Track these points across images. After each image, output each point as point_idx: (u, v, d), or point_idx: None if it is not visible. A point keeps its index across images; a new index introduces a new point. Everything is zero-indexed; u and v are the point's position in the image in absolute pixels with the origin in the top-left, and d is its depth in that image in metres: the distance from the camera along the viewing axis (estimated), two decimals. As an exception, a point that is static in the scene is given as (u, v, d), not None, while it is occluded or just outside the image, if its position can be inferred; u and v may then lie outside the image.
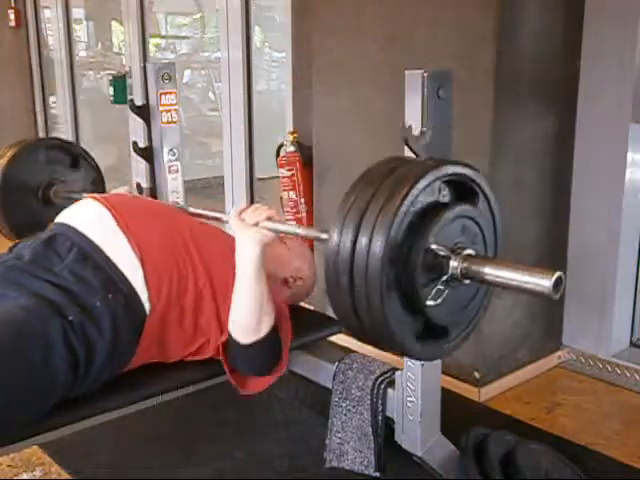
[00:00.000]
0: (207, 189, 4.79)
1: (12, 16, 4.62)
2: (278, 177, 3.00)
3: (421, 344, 1.17)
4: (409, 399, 1.61)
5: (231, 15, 3.25)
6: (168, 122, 2.22)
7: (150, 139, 2.29)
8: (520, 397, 2.31)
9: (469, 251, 1.14)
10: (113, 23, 5.14)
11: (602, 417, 2.18)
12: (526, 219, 2.34)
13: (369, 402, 1.68)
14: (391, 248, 1.06)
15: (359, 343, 2.71)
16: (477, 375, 2.29)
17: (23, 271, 1.47)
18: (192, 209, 1.81)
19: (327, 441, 1.77)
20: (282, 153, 3.00)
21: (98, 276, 1.48)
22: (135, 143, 2.34)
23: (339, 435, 1.75)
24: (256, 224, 1.52)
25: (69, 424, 1.46)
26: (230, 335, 1.55)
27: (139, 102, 2.30)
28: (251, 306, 1.53)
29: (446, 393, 1.70)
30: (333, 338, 1.99)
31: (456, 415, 1.77)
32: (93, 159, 2.36)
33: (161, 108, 2.19)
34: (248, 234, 1.52)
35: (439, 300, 1.13)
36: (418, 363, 1.58)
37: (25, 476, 1.84)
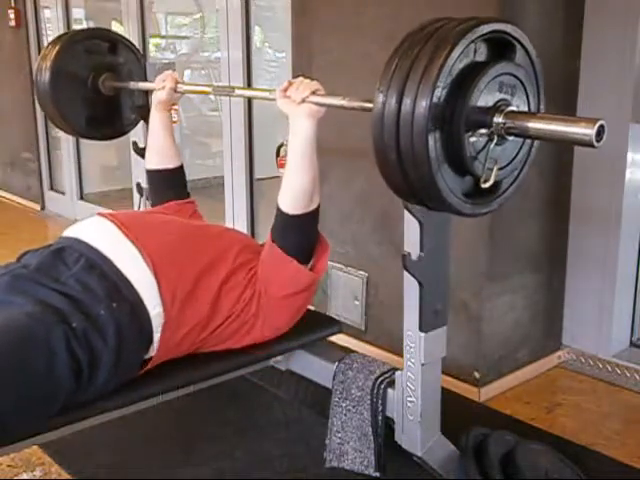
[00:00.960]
0: (207, 189, 4.79)
1: (12, 16, 4.62)
2: (278, 177, 3.00)
3: (471, 202, 1.23)
4: (409, 399, 1.61)
5: (231, 15, 3.25)
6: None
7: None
8: (520, 397, 2.31)
9: (511, 108, 1.18)
10: (113, 23, 5.14)
11: (602, 417, 2.18)
12: (526, 218, 2.35)
13: (369, 402, 1.68)
14: (435, 109, 1.10)
15: (359, 343, 2.72)
16: (477, 375, 2.29)
17: (29, 279, 1.48)
18: (239, 91, 2.00)
19: (327, 441, 1.78)
20: (282, 153, 2.99)
21: (103, 285, 1.48)
22: (135, 143, 2.34)
23: (339, 435, 1.75)
24: (302, 101, 1.55)
25: (69, 424, 1.46)
26: (281, 211, 1.61)
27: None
28: (307, 178, 1.59)
29: (446, 393, 1.70)
30: (333, 338, 1.99)
31: (456, 415, 1.77)
32: (130, 42, 2.39)
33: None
34: (299, 111, 1.56)
35: (485, 157, 1.17)
36: (418, 363, 1.58)
37: (25, 476, 1.84)
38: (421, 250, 1.49)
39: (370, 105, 1.22)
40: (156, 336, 1.52)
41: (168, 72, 2.04)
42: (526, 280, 2.41)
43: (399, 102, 1.13)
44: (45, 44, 4.87)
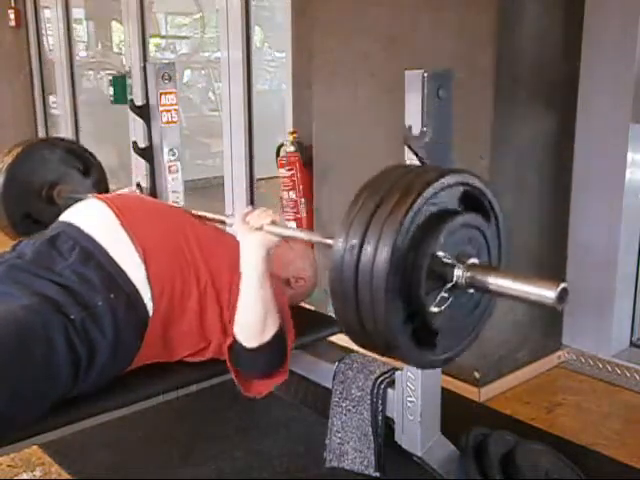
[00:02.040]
0: (207, 189, 4.79)
1: (12, 16, 4.62)
2: (278, 177, 3.00)
3: (419, 352, 1.15)
4: (409, 399, 1.62)
5: (231, 15, 3.25)
6: (168, 122, 2.23)
7: (150, 139, 2.29)
8: (520, 397, 2.31)
9: (474, 260, 1.14)
10: (113, 23, 5.15)
11: (602, 417, 2.18)
12: (526, 219, 2.34)
13: (369, 402, 1.68)
14: (397, 256, 1.05)
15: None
16: (477, 375, 2.29)
17: (25, 270, 1.47)
18: (194, 212, 1.80)
19: (327, 441, 1.78)
20: (282, 153, 3.00)
21: (100, 276, 1.48)
22: (135, 143, 2.34)
23: (339, 435, 1.75)
24: (260, 228, 1.51)
25: (69, 424, 1.46)
26: (235, 339, 1.54)
27: (139, 102, 2.30)
28: (256, 310, 1.52)
29: (446, 393, 1.70)
30: (333, 338, 1.99)
31: (456, 415, 1.77)
32: (99, 164, 2.32)
33: (161, 108, 2.19)
34: (252, 238, 1.52)
35: (442, 308, 1.12)
36: (418, 363, 1.58)
37: (25, 476, 1.84)
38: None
39: (330, 242, 1.19)
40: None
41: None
42: (526, 280, 2.41)
43: (360, 247, 1.07)
44: (45, 44, 4.88)
